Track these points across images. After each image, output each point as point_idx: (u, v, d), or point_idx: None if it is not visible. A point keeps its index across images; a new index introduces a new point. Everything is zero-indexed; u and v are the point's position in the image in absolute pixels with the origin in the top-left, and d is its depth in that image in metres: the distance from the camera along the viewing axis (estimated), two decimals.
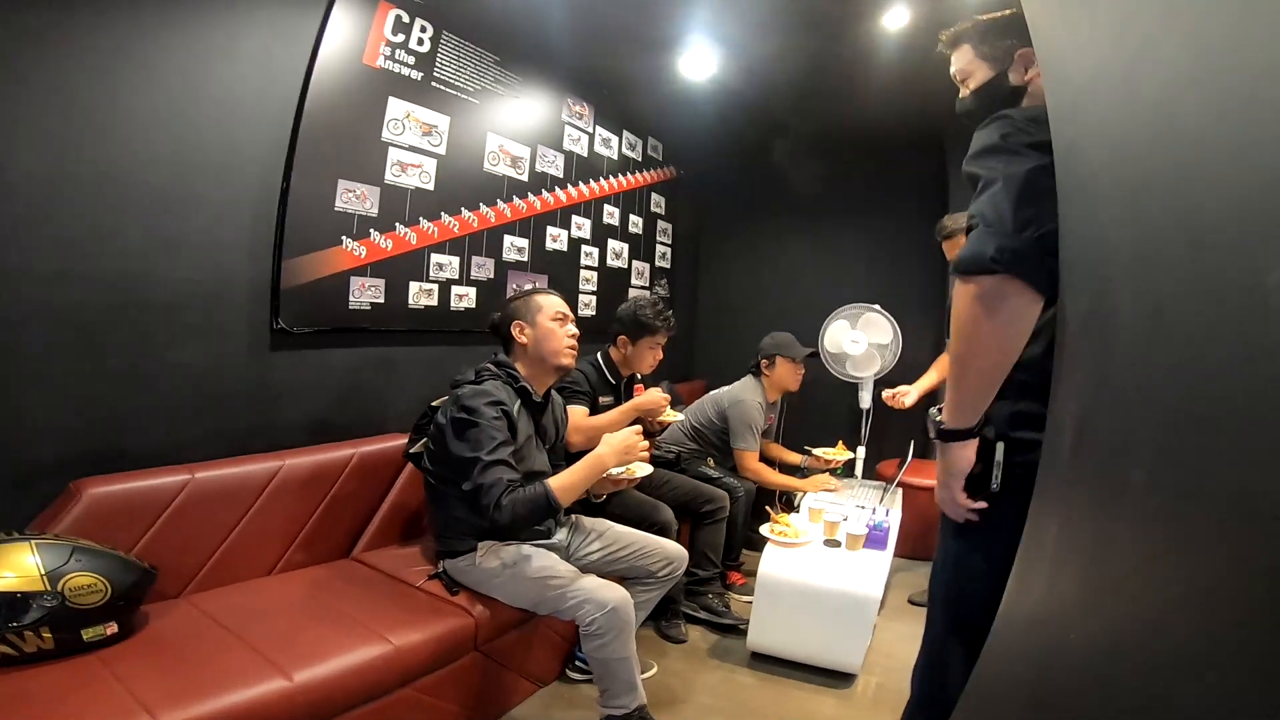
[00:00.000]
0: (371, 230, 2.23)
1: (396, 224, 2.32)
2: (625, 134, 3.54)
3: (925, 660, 1.23)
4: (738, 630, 2.37)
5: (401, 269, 2.36)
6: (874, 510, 2.40)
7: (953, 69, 1.23)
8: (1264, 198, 0.41)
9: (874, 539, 2.18)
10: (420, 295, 2.44)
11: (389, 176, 2.27)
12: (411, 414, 2.02)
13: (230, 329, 1.91)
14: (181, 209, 1.77)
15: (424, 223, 2.42)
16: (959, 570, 1.14)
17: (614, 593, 1.68)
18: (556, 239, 3.10)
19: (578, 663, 2.05)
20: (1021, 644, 0.75)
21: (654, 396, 2.30)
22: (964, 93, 1.22)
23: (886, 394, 2.52)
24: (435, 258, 2.48)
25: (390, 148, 2.26)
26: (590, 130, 3.26)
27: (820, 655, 2.13)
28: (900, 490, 2.79)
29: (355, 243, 2.19)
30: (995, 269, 0.89)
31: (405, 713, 1.54)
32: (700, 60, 2.99)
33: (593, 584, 1.69)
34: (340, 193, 2.12)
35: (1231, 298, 0.43)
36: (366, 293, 2.25)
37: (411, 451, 1.95)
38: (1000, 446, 1.02)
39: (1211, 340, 0.45)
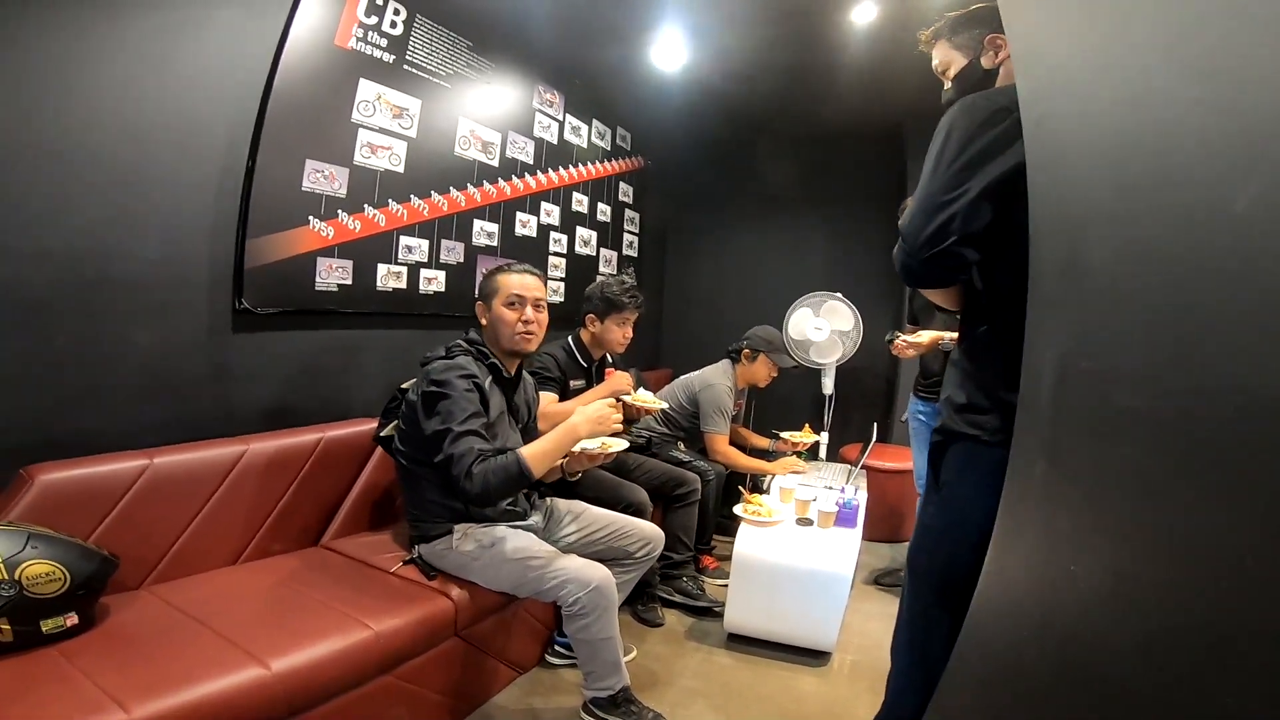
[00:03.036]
0: (340, 211, 2.18)
1: (365, 205, 2.26)
2: (595, 123, 3.53)
3: (907, 633, 1.26)
4: (713, 613, 2.41)
5: (370, 251, 2.31)
6: (842, 490, 2.46)
7: (934, 63, 1.33)
8: (1231, 136, 0.46)
9: (844, 517, 2.24)
10: (389, 278, 2.39)
11: (358, 158, 2.21)
12: (379, 399, 1.98)
13: (191, 309, 1.84)
14: (141, 185, 1.69)
15: (393, 205, 2.37)
16: (939, 541, 1.19)
17: (596, 571, 1.67)
18: (526, 225, 3.08)
19: (557, 647, 2.05)
20: (1018, 588, 0.79)
21: (621, 378, 2.32)
22: (947, 84, 1.30)
23: (899, 341, 2.43)
24: (404, 240, 2.44)
25: (360, 129, 2.21)
26: (560, 118, 3.24)
27: (796, 634, 2.18)
28: (865, 472, 2.87)
29: (323, 223, 2.13)
30: (906, 280, 1.12)
31: (387, 701, 1.51)
32: (670, 51, 3.01)
33: (575, 563, 1.68)
34: (308, 173, 2.06)
35: (1204, 226, 0.49)
36: (334, 274, 2.19)
37: (381, 435, 1.91)
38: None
39: (1190, 268, 0.50)
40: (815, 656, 2.18)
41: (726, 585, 2.25)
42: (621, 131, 3.80)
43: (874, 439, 2.69)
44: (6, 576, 1.23)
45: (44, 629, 1.27)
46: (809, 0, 2.54)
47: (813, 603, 2.12)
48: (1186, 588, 0.48)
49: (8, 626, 1.22)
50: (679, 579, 2.51)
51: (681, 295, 4.56)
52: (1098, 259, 0.67)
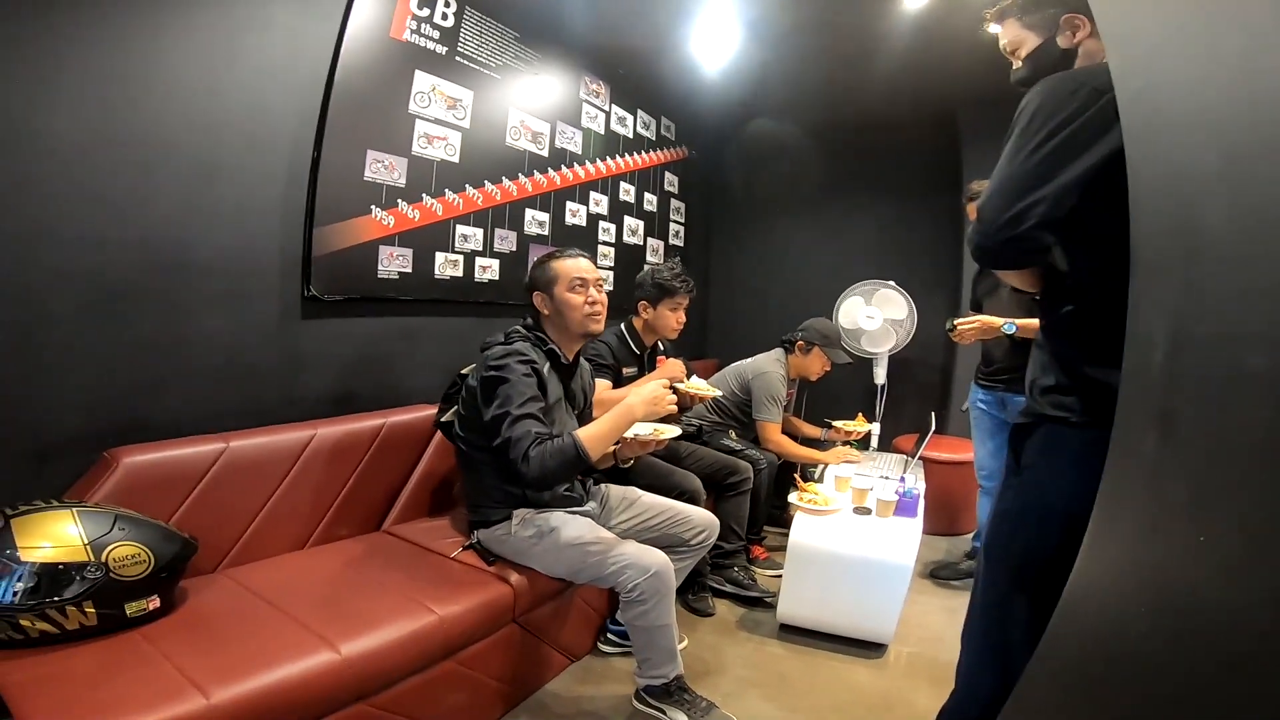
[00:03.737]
0: (399, 200, 2.22)
1: (423, 195, 2.31)
2: (640, 113, 3.53)
3: (983, 621, 1.22)
4: (764, 603, 2.39)
5: (428, 239, 2.35)
6: (901, 479, 2.41)
7: (1002, 42, 1.29)
8: None
9: (904, 506, 2.19)
10: (446, 266, 2.44)
11: (416, 148, 2.26)
12: (438, 385, 2.02)
13: (262, 296, 1.90)
14: (214, 177, 1.76)
15: (449, 194, 2.41)
16: (1018, 526, 1.15)
17: (655, 557, 1.67)
18: (575, 214, 3.09)
19: (610, 635, 2.06)
20: (1121, 566, 0.77)
21: (675, 365, 2.32)
22: (1016, 64, 1.27)
23: (961, 324, 2.30)
24: (460, 229, 2.48)
25: (417, 120, 2.25)
26: (606, 109, 3.25)
27: (851, 625, 2.15)
28: (921, 463, 2.81)
29: (384, 212, 2.18)
30: (980, 261, 1.08)
31: (447, 687, 1.53)
32: (715, 40, 2.98)
33: (634, 549, 1.68)
34: (369, 163, 2.11)
35: None
36: (394, 262, 2.24)
37: (442, 420, 1.94)
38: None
39: None
40: (871, 648, 2.14)
41: (777, 575, 2.23)
42: (666, 122, 3.79)
43: (932, 429, 2.63)
44: (93, 559, 1.23)
45: (128, 612, 1.27)
46: None
47: (871, 593, 2.08)
48: None
49: (93, 610, 1.22)
50: (730, 569, 2.50)
51: (727, 285, 4.53)
52: (1212, 221, 0.66)
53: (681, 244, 4.10)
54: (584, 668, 1.98)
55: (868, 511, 2.21)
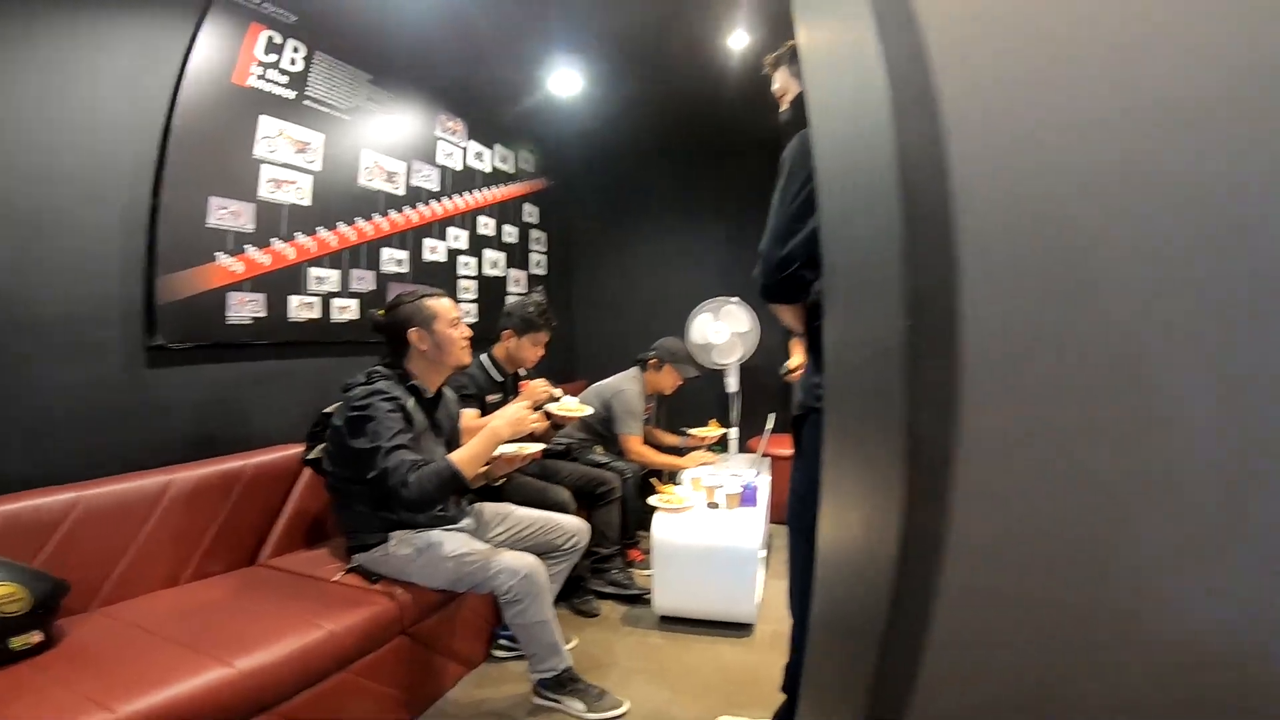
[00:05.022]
0: (248, 245, 2.23)
1: (273, 239, 2.32)
2: (497, 147, 3.69)
3: (798, 585, 1.47)
4: (643, 600, 2.60)
5: (281, 283, 2.37)
6: (745, 476, 2.72)
7: (774, 87, 1.54)
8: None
9: (746, 498, 2.49)
10: (301, 309, 2.45)
11: (264, 192, 2.28)
12: (302, 424, 2.06)
13: (105, 347, 1.86)
14: (49, 228, 1.72)
15: (301, 237, 2.43)
16: (803, 501, 1.40)
17: (526, 560, 1.83)
18: (435, 250, 3.18)
19: (502, 641, 2.18)
20: (836, 519, 1.02)
21: (536, 385, 2.49)
22: (784, 107, 1.53)
23: (791, 365, 2.90)
24: (314, 271, 2.50)
25: (263, 164, 2.27)
26: (464, 145, 3.38)
27: (719, 609, 2.40)
28: (769, 460, 3.16)
29: (231, 258, 2.18)
30: (764, 298, 1.31)
31: (346, 696, 1.61)
32: (566, 77, 3.23)
33: (507, 556, 1.83)
34: (213, 209, 2.11)
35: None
36: (246, 307, 2.24)
37: (310, 457, 1.99)
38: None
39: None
40: (740, 629, 2.39)
41: (652, 573, 2.45)
42: (524, 154, 3.97)
43: (769, 429, 2.98)
44: None
45: (13, 646, 1.32)
46: (690, 28, 2.81)
47: (728, 578, 2.34)
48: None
49: None
50: (609, 571, 2.69)
51: (593, 308, 4.76)
52: (849, 259, 0.91)
53: (544, 272, 4.28)
54: (481, 674, 2.10)
55: (717, 506, 2.49)
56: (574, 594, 2.55)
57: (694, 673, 2.14)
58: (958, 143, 0.39)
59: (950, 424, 0.38)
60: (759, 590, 2.43)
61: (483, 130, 3.53)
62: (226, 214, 2.15)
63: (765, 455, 3.09)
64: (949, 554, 0.40)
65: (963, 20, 0.41)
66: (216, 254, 2.14)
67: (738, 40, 2.89)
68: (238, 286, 2.21)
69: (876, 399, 0.45)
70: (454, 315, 1.96)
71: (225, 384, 2.22)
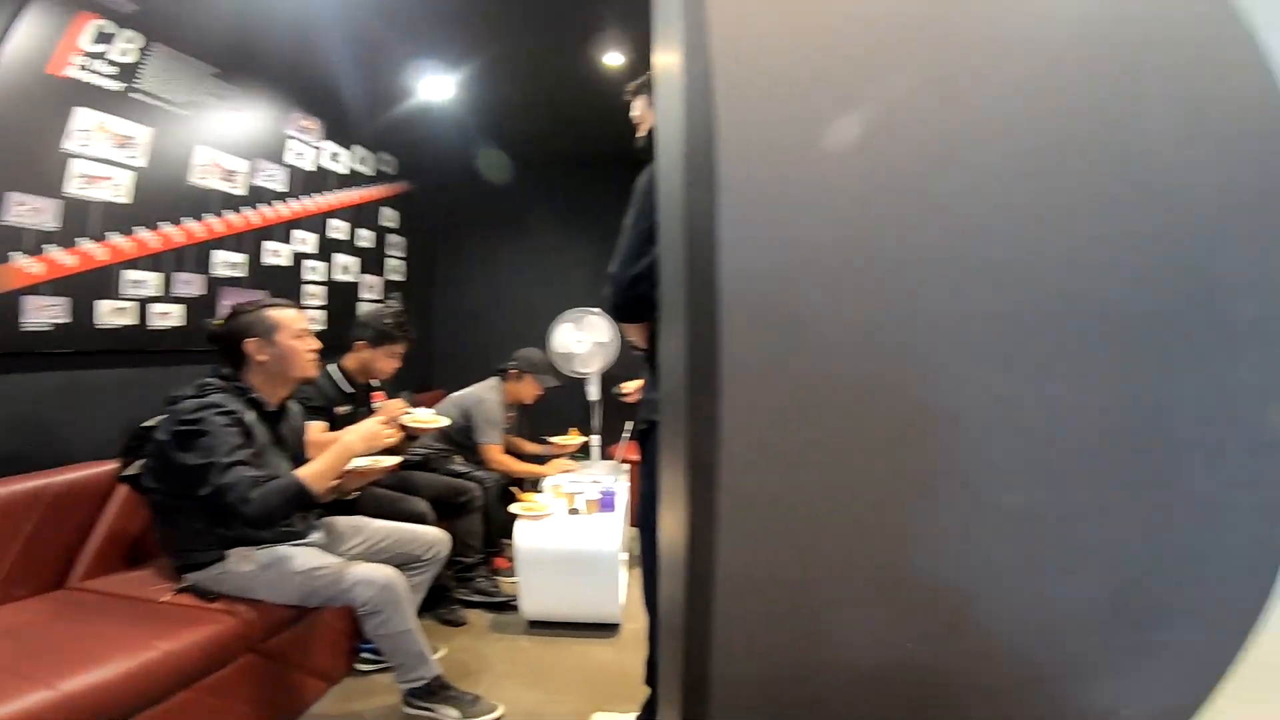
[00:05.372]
0: (49, 245, 1.99)
1: (80, 239, 2.09)
2: (355, 148, 3.54)
3: (647, 584, 1.59)
4: (510, 606, 2.60)
5: (89, 286, 2.13)
6: (604, 482, 2.83)
7: (632, 114, 1.65)
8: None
9: (605, 503, 2.60)
10: (113, 314, 2.22)
11: (72, 188, 2.04)
12: (114, 439, 1.88)
13: None
14: None
15: (115, 237, 2.20)
16: (649, 505, 1.52)
17: (382, 570, 1.79)
18: (277, 254, 2.99)
19: (364, 655, 2.12)
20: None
21: (394, 405, 2.43)
22: (640, 133, 1.64)
23: (625, 387, 2.99)
24: (129, 274, 2.27)
25: (73, 159, 2.04)
26: (317, 145, 3.21)
27: (585, 611, 2.47)
28: (629, 466, 3.29)
29: (30, 259, 1.94)
30: (614, 317, 1.40)
31: (192, 716, 1.51)
32: (434, 82, 3.17)
33: (362, 568, 1.79)
34: (9, 205, 1.87)
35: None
36: (45, 312, 2.00)
37: (126, 474, 1.83)
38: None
39: None
40: (607, 630, 2.48)
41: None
42: (385, 156, 3.83)
43: (627, 437, 3.11)
44: None
45: None
46: (564, 42, 2.87)
47: (591, 580, 2.43)
48: None
49: None
50: (473, 580, 2.68)
51: (454, 316, 4.67)
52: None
53: (403, 279, 4.15)
54: (345, 688, 2.03)
55: (578, 512, 2.57)
56: (439, 604, 2.52)
57: (565, 673, 2.20)
58: (725, 194, 0.44)
59: (714, 442, 0.49)
60: (623, 591, 2.54)
61: (340, 131, 3.38)
62: (25, 211, 1.91)
63: (625, 462, 3.22)
64: (719, 549, 0.50)
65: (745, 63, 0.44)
66: (11, 254, 1.90)
67: (613, 60, 3.00)
68: (35, 289, 1.97)
69: (675, 420, 0.55)
70: (299, 327, 1.87)
71: (25, 396, 1.98)
